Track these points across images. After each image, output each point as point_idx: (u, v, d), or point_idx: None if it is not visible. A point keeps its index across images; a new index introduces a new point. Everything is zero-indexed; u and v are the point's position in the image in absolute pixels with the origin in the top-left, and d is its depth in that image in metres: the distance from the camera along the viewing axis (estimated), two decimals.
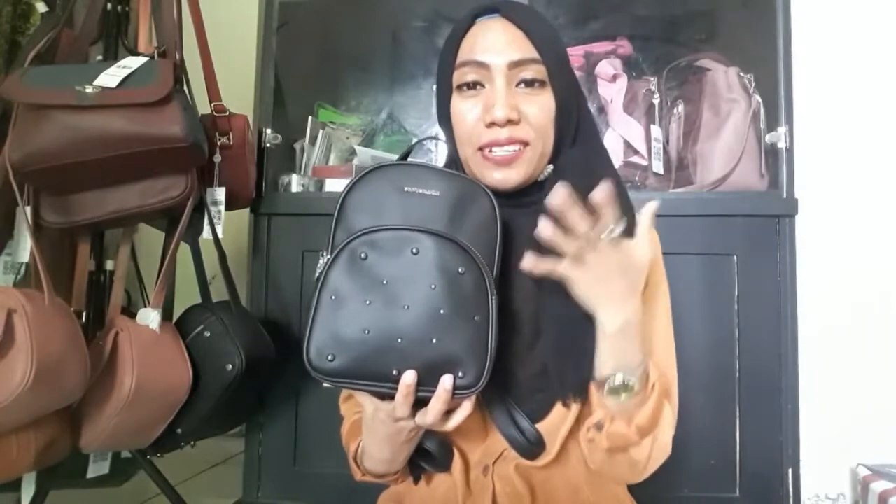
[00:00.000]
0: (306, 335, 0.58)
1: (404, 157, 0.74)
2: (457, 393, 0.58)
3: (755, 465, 1.25)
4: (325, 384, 0.60)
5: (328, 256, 0.60)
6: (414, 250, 0.59)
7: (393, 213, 0.62)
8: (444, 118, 0.75)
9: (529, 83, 0.69)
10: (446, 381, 0.58)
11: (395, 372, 0.58)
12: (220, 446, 1.61)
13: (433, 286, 0.58)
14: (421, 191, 0.64)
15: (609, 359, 0.64)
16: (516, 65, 0.69)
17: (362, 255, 0.59)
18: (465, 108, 0.71)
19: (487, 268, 0.60)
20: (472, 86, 0.71)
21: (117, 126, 1.02)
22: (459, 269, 0.59)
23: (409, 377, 0.57)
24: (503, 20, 0.70)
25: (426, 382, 0.58)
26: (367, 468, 0.74)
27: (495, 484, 0.72)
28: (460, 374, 0.58)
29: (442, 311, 0.58)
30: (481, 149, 0.70)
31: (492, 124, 0.68)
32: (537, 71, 0.69)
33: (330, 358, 0.58)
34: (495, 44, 0.69)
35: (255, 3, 1.54)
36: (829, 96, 1.37)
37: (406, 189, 0.63)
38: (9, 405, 0.88)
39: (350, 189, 0.64)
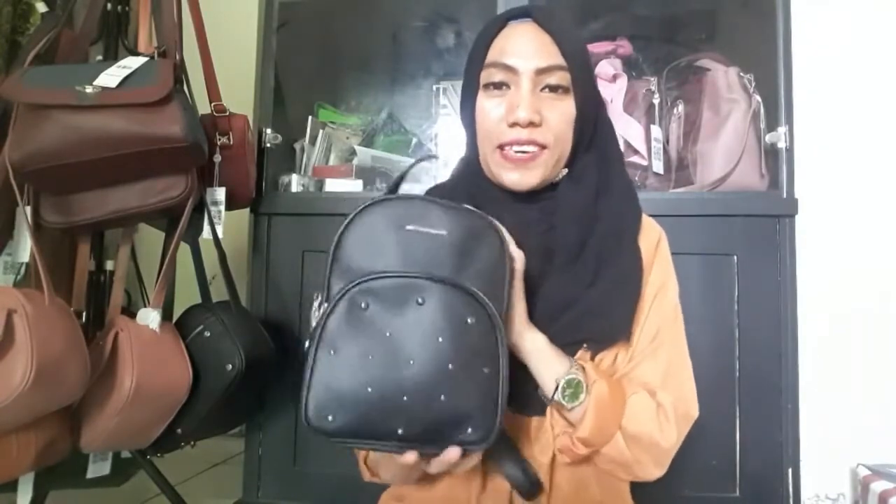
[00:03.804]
0: (304, 391, 0.55)
1: (397, 182, 0.68)
2: (465, 449, 0.56)
3: (755, 465, 1.25)
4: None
5: (325, 306, 0.57)
6: (419, 300, 0.55)
7: (393, 254, 0.58)
8: (467, 115, 0.76)
9: (554, 88, 0.71)
10: (451, 455, 0.56)
11: (400, 431, 0.54)
12: (220, 446, 1.61)
13: (440, 339, 0.54)
14: (424, 230, 0.59)
15: (545, 374, 0.67)
16: (543, 71, 0.70)
17: (363, 305, 0.55)
18: (489, 106, 0.72)
19: (497, 314, 0.57)
20: (499, 86, 0.72)
21: (117, 126, 1.02)
22: (468, 320, 0.55)
23: (408, 458, 0.56)
24: (534, 25, 0.72)
25: (433, 441, 0.55)
26: (382, 477, 0.74)
27: None
28: (469, 430, 0.55)
29: (451, 367, 0.54)
30: (501, 147, 0.71)
31: (514, 124, 0.70)
32: (562, 77, 0.71)
33: (330, 418, 0.54)
34: (525, 49, 0.71)
35: (255, 3, 1.54)
36: (829, 96, 1.37)
37: (408, 228, 0.59)
38: (9, 405, 0.88)
39: (346, 227, 0.60)
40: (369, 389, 0.54)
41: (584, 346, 0.71)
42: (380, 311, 0.55)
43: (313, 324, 0.57)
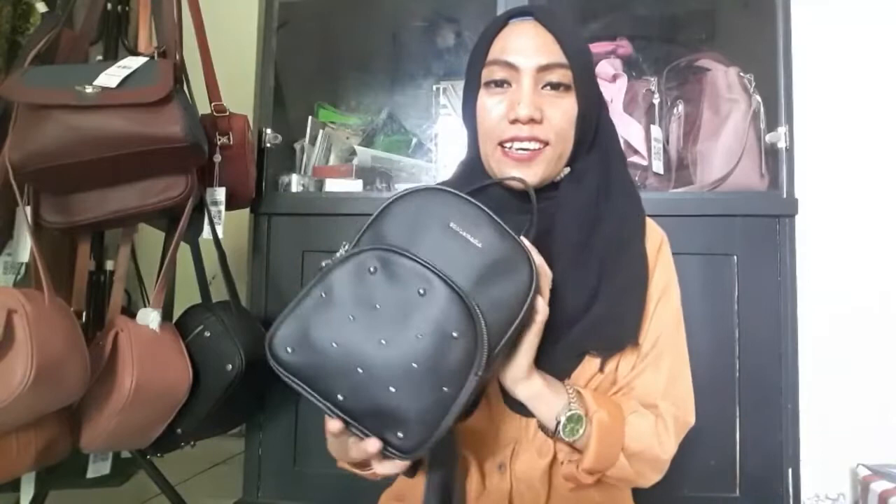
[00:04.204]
0: (282, 315, 0.56)
1: (475, 190, 0.68)
2: (386, 451, 0.55)
3: (755, 465, 1.25)
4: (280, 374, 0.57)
5: (342, 253, 0.58)
6: (421, 290, 0.54)
7: (425, 243, 0.58)
8: (469, 114, 0.76)
9: (555, 86, 0.71)
10: (369, 446, 0.54)
11: (340, 397, 0.54)
12: (220, 446, 1.61)
13: (419, 335, 0.53)
14: (464, 234, 0.58)
15: (545, 413, 0.66)
16: (544, 68, 0.70)
17: (371, 269, 0.55)
18: (490, 104, 0.72)
19: (487, 345, 0.55)
20: (500, 83, 0.72)
21: (117, 126, 1.02)
22: (454, 333, 0.53)
23: (332, 426, 0.55)
24: (535, 23, 0.72)
25: (364, 423, 0.54)
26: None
27: (513, 484, 0.72)
28: (399, 434, 0.54)
29: (414, 366, 0.53)
30: (502, 144, 0.71)
31: (515, 121, 0.70)
32: (563, 75, 0.71)
33: (289, 350, 0.55)
34: (526, 47, 0.71)
35: (255, 3, 1.54)
36: (829, 96, 1.37)
37: (451, 226, 0.58)
38: (9, 405, 0.88)
39: (400, 198, 0.60)
40: (334, 345, 0.54)
41: (594, 352, 0.70)
42: (382, 282, 0.55)
43: None
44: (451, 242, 0.58)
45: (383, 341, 0.53)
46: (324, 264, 0.57)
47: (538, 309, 0.62)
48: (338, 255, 0.58)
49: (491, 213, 0.60)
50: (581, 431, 0.66)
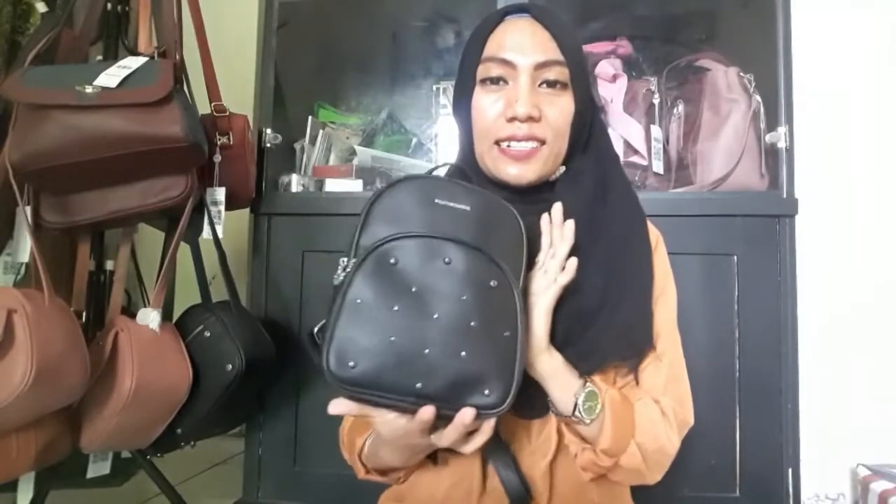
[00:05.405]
0: (326, 341, 0.54)
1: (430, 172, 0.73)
2: (481, 413, 0.56)
3: (755, 465, 1.25)
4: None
5: (353, 260, 0.58)
6: (446, 259, 0.57)
7: (420, 223, 0.60)
8: (462, 110, 0.75)
9: (552, 84, 0.71)
10: (466, 415, 0.55)
11: (418, 385, 0.54)
12: (220, 446, 1.61)
13: (464, 297, 0.56)
14: (452, 204, 0.62)
15: (562, 393, 0.66)
16: (541, 66, 0.70)
17: (392, 261, 0.57)
18: (487, 102, 0.72)
19: (517, 283, 0.59)
20: (496, 81, 0.72)
21: (117, 126, 1.02)
22: (491, 283, 0.58)
23: (426, 413, 0.54)
24: (532, 20, 0.72)
25: (450, 399, 0.55)
26: (375, 466, 0.73)
27: None
28: (486, 392, 0.55)
29: (473, 324, 0.55)
30: (499, 143, 0.71)
31: (512, 119, 0.70)
32: (560, 73, 0.71)
33: (352, 364, 0.54)
34: (523, 44, 0.70)
35: (255, 3, 1.54)
36: (829, 96, 1.37)
37: (437, 201, 0.62)
38: (9, 405, 0.88)
39: (378, 196, 0.62)
40: (393, 339, 0.54)
41: (620, 361, 0.70)
42: (408, 267, 0.57)
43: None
44: (444, 213, 0.62)
45: (436, 315, 0.55)
46: (341, 274, 0.58)
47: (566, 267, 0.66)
48: (340, 270, 0.59)
49: (462, 182, 0.65)
50: (598, 410, 0.66)
